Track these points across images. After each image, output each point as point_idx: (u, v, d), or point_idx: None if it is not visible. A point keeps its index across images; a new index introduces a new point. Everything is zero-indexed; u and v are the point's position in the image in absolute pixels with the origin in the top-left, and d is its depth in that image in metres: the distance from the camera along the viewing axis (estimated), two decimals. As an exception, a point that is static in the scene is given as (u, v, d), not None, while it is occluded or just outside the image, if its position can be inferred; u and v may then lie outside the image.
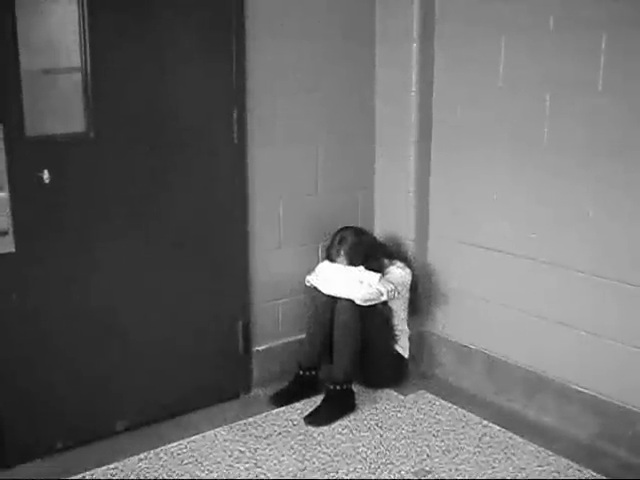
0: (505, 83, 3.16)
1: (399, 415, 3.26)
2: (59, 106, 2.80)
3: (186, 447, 2.98)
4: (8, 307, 2.72)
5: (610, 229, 2.87)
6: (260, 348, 3.48)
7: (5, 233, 2.63)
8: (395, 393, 3.46)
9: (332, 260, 3.38)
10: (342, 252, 3.34)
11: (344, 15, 3.46)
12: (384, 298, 3.27)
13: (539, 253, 3.13)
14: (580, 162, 2.92)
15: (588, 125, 2.88)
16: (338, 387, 3.25)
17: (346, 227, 3.44)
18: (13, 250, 2.67)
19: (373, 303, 3.25)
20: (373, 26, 3.54)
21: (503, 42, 3.12)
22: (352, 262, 3.32)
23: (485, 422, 3.18)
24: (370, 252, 3.39)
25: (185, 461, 2.88)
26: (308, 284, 3.41)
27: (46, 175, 2.70)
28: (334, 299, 3.29)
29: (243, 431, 3.12)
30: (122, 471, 2.81)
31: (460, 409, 3.30)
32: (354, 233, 3.39)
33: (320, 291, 3.34)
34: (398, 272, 3.42)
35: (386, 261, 3.47)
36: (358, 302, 3.22)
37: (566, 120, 2.95)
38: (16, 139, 2.61)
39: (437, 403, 3.37)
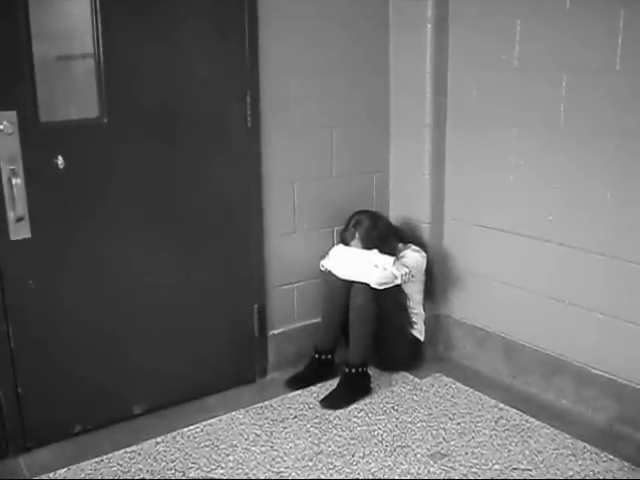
0: (521, 64, 3.11)
1: (415, 398, 3.26)
2: (73, 92, 2.79)
3: (203, 430, 3.01)
4: (25, 292, 2.74)
5: (630, 211, 2.83)
6: (276, 332, 3.49)
7: (21, 219, 2.65)
8: (411, 376, 3.46)
9: (347, 243, 3.38)
10: (357, 235, 3.33)
11: (358, -3, 3.43)
12: (398, 281, 3.26)
13: (557, 236, 3.10)
14: (598, 143, 2.88)
15: (606, 105, 2.83)
16: (354, 370, 3.25)
17: (361, 211, 3.43)
18: (29, 236, 2.68)
19: (388, 286, 3.24)
20: (387, 8, 3.51)
21: (519, 23, 3.07)
22: (367, 246, 3.31)
23: (501, 405, 3.17)
24: (385, 236, 3.37)
25: (202, 444, 2.90)
26: (323, 268, 3.41)
27: (60, 161, 2.71)
28: (349, 283, 3.28)
29: (259, 414, 3.13)
30: (139, 454, 2.83)
31: (476, 392, 3.30)
32: (369, 217, 3.38)
33: (335, 275, 3.34)
34: (413, 255, 3.41)
35: (401, 245, 3.47)
36: (373, 285, 3.21)
37: (583, 101, 2.91)
38: (30, 125, 2.62)
39: (453, 386, 3.37)
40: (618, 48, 2.73)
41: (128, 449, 2.86)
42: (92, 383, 2.97)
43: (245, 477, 2.69)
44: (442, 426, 3.02)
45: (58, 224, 2.77)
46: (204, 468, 2.75)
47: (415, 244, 3.50)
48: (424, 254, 3.46)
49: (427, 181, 3.53)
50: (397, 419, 3.08)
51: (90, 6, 2.67)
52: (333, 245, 3.50)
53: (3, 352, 2.74)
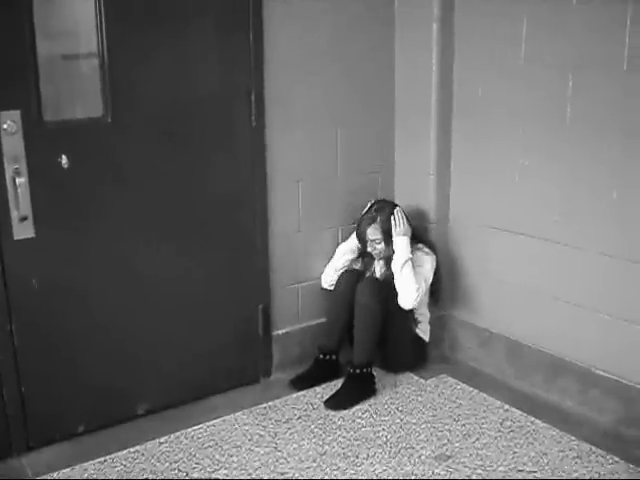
0: (527, 62, 3.10)
1: (420, 399, 3.25)
2: (77, 91, 2.79)
3: (206, 431, 3.00)
4: (29, 292, 2.73)
5: (636, 212, 2.81)
6: (280, 332, 3.48)
7: (25, 218, 2.65)
8: (416, 377, 3.45)
9: (362, 230, 3.35)
10: (378, 219, 3.32)
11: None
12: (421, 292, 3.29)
13: (562, 236, 3.08)
14: (605, 143, 2.86)
15: (612, 105, 2.82)
16: (358, 371, 3.24)
17: (382, 199, 3.45)
18: (33, 235, 2.68)
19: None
20: (393, 6, 3.50)
21: (525, 20, 3.06)
22: (385, 230, 3.31)
23: (506, 406, 3.16)
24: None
25: (205, 444, 2.90)
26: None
27: (64, 160, 2.70)
28: (354, 282, 3.28)
29: (263, 415, 3.12)
30: (143, 454, 2.83)
31: (481, 393, 3.28)
32: (391, 205, 3.39)
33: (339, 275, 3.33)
34: (426, 260, 3.37)
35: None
36: (409, 307, 3.28)
37: (590, 100, 2.89)
38: (34, 125, 2.61)
39: (458, 387, 3.35)
40: (625, 46, 2.72)
41: (132, 449, 2.86)
42: (95, 383, 2.96)
43: (248, 478, 2.68)
44: (447, 427, 3.01)
45: (62, 224, 2.77)
46: (207, 468, 2.74)
47: (423, 243, 3.47)
48: (434, 256, 3.43)
49: (432, 181, 3.52)
50: (401, 420, 3.07)
51: (94, 5, 2.67)
52: (337, 245, 3.49)
53: (7, 351, 2.74)
